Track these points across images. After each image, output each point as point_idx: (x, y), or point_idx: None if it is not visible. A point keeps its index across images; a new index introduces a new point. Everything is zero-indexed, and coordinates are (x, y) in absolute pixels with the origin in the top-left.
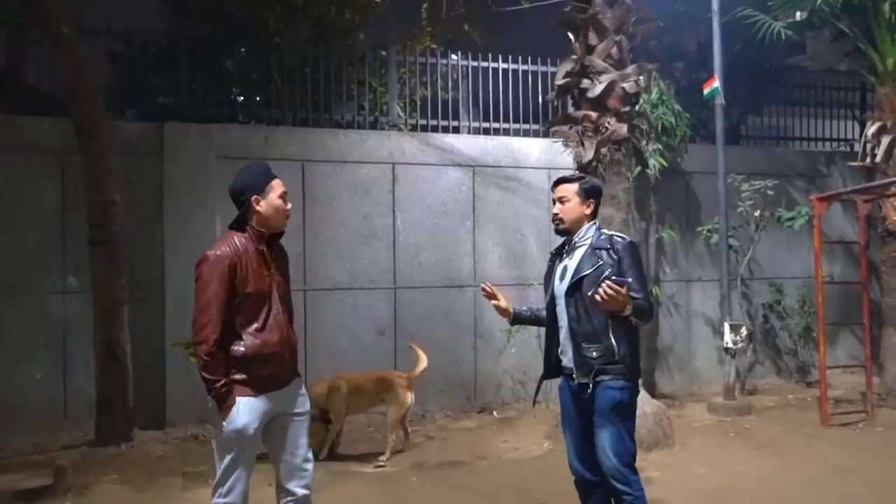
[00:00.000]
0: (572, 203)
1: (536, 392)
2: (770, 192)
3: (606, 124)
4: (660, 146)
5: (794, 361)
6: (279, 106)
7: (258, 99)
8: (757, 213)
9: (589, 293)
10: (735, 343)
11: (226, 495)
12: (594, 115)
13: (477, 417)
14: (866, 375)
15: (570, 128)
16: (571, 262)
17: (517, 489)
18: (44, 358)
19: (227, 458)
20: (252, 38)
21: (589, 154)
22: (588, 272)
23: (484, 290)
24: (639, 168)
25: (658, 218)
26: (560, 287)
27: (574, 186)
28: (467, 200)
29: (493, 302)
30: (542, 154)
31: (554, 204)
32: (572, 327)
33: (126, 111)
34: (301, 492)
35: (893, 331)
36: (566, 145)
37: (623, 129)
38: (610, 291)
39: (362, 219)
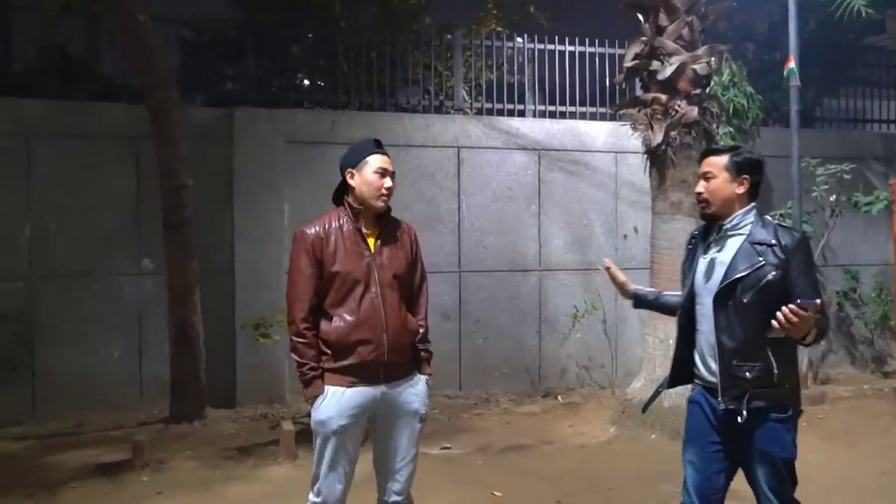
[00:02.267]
0: (719, 180)
1: (650, 402)
2: (846, 177)
3: (676, 107)
4: (731, 129)
5: (869, 351)
6: (345, 91)
7: (324, 84)
8: (832, 198)
9: (773, 322)
10: None
11: (321, 484)
12: (664, 97)
13: (541, 402)
14: None
15: (639, 111)
16: (722, 256)
17: (582, 474)
18: (120, 338)
19: (317, 447)
20: (318, 23)
21: (658, 137)
22: (744, 274)
23: (607, 266)
24: None
25: None
26: (705, 286)
27: (723, 160)
28: (532, 184)
29: (617, 280)
30: (608, 137)
31: (699, 181)
32: (721, 339)
33: (195, 98)
34: (393, 498)
35: None
36: (634, 128)
37: (693, 111)
38: (795, 319)
39: (427, 203)
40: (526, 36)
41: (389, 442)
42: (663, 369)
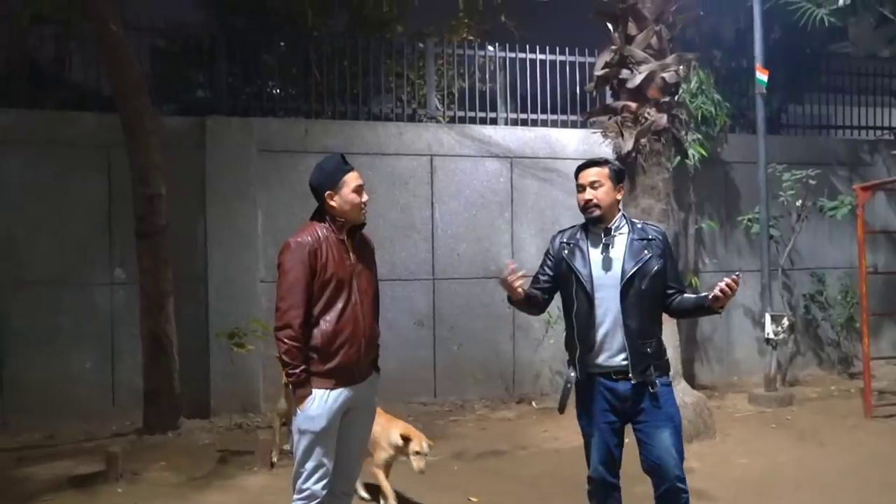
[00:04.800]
0: (606, 188)
1: (566, 397)
2: (812, 182)
3: (646, 114)
4: (699, 136)
5: (836, 352)
6: (318, 99)
7: (296, 92)
8: (798, 203)
9: (710, 294)
10: (776, 334)
11: (304, 482)
12: (633, 105)
13: (516, 407)
14: None
15: (609, 118)
16: (615, 253)
17: (558, 477)
18: (92, 348)
19: (301, 448)
20: (290, 31)
21: (628, 145)
22: (639, 266)
23: (511, 269)
24: (678, 158)
25: (697, 208)
26: (606, 276)
27: (605, 170)
28: (505, 192)
29: (512, 281)
30: (580, 145)
31: (582, 190)
32: (627, 323)
33: (165, 106)
34: (348, 487)
35: None
36: (605, 136)
37: (663, 119)
38: (735, 287)
39: (401, 211)
40: (497, 44)
41: (355, 435)
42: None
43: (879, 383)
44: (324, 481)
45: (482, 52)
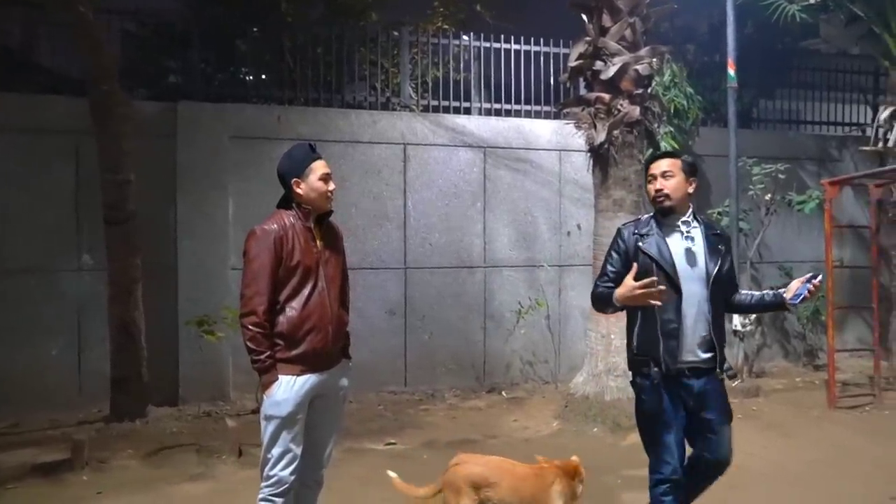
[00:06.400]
0: (677, 179)
1: (652, 399)
2: (781, 176)
3: (619, 106)
4: (672, 129)
5: (802, 345)
6: (291, 86)
7: (270, 79)
8: (768, 197)
9: (793, 295)
10: (743, 326)
11: (271, 469)
12: (607, 97)
13: (486, 397)
14: (874, 359)
15: (583, 109)
16: (697, 247)
17: None
18: (59, 335)
19: (268, 433)
20: (264, 18)
21: (601, 136)
22: (721, 261)
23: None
24: (650, 151)
25: None
26: (692, 271)
27: (678, 162)
28: (478, 182)
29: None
30: (553, 136)
31: (653, 180)
32: (711, 319)
33: (137, 91)
34: (319, 474)
35: None
36: (578, 127)
37: (636, 111)
38: (815, 291)
39: (373, 199)
40: (472, 34)
41: (325, 422)
42: (605, 364)
43: (844, 375)
44: (291, 467)
45: (457, 42)
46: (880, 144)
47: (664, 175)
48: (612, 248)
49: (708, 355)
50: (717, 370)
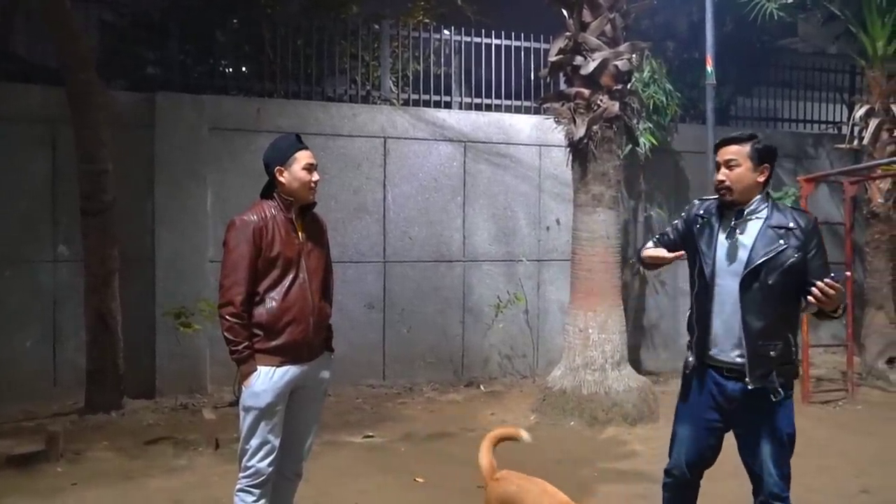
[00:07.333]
0: (743, 168)
1: (685, 387)
2: None
3: (598, 102)
4: (650, 125)
5: None
6: (271, 78)
7: (249, 71)
8: None
9: (809, 297)
10: None
11: (249, 460)
12: (587, 92)
13: (464, 391)
14: (847, 355)
15: (563, 104)
16: (744, 239)
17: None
18: (34, 327)
19: (246, 424)
20: (244, 9)
21: (580, 131)
22: (769, 257)
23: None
24: (629, 146)
25: (647, 196)
26: (729, 268)
27: (745, 148)
28: (458, 176)
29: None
30: (533, 131)
31: (717, 169)
32: (747, 320)
33: (115, 81)
34: (299, 467)
35: (875, 311)
36: (558, 122)
37: (615, 106)
38: (831, 292)
39: (353, 193)
40: (453, 28)
41: (305, 415)
42: (583, 358)
43: (817, 371)
44: (269, 458)
45: (437, 36)
46: (855, 142)
47: (728, 164)
48: (680, 216)
49: (740, 360)
50: (747, 377)
